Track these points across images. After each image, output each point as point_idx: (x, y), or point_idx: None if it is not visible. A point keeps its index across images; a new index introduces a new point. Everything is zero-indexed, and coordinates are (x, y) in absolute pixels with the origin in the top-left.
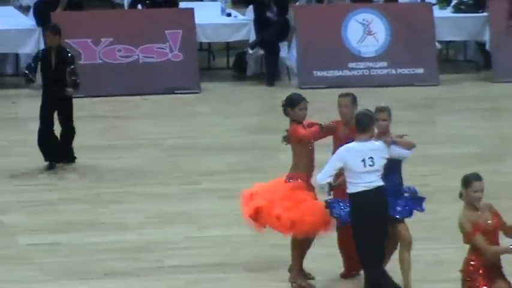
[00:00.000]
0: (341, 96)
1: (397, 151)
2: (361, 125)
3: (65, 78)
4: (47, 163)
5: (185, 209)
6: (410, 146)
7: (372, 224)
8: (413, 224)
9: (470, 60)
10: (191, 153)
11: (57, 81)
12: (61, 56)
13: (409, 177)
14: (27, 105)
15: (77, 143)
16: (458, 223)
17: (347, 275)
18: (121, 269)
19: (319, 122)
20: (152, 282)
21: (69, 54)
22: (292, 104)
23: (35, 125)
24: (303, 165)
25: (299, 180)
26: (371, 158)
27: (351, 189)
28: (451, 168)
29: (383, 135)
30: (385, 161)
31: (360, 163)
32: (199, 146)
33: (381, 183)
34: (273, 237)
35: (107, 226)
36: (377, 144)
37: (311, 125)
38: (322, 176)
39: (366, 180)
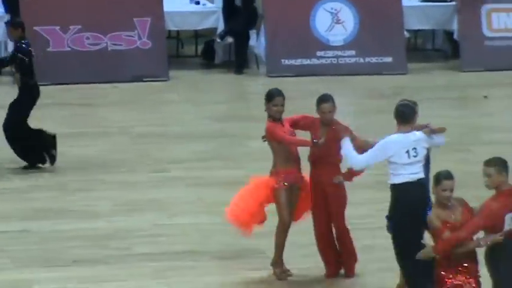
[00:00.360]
0: (323, 102)
1: (436, 140)
2: (404, 116)
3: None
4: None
5: (154, 197)
6: (443, 131)
7: (413, 215)
8: (382, 213)
9: (438, 49)
10: (160, 141)
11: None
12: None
13: (376, 166)
14: None
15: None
16: (427, 219)
17: (330, 275)
18: (89, 256)
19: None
20: (120, 269)
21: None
22: (268, 98)
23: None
24: (282, 161)
25: (277, 175)
26: (414, 149)
27: (394, 179)
28: None
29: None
30: (426, 151)
31: (405, 154)
32: (168, 133)
33: (422, 175)
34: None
35: (76, 214)
36: (418, 134)
37: (292, 122)
38: (359, 163)
39: (409, 171)
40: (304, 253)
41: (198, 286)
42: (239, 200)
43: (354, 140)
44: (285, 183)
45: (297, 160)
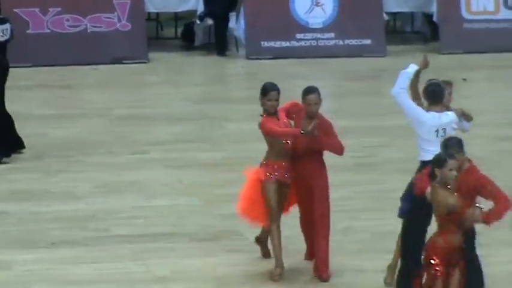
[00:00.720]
0: (309, 93)
1: (464, 123)
2: (436, 96)
3: None
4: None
5: (133, 179)
6: (471, 119)
7: None
8: (361, 195)
9: (417, 32)
10: (139, 123)
11: None
12: None
13: (356, 148)
14: None
15: (24, 112)
16: (442, 203)
17: (310, 257)
18: (68, 238)
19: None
20: (100, 251)
21: None
22: (263, 93)
23: None
24: (274, 154)
25: (267, 167)
26: (444, 129)
27: (425, 156)
28: (398, 139)
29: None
30: (454, 132)
31: (434, 133)
32: (147, 115)
33: None
34: (220, 207)
35: (55, 195)
36: (451, 115)
37: (286, 111)
38: (396, 88)
39: (436, 148)
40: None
41: (177, 267)
42: (247, 201)
43: None
44: (273, 175)
45: (289, 155)
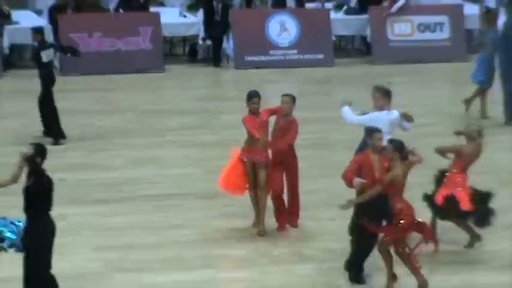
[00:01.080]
0: (284, 95)
1: (405, 123)
2: (391, 95)
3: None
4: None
5: (154, 155)
6: (411, 120)
7: None
8: (318, 166)
9: (356, 49)
10: (158, 115)
11: None
12: None
13: (313, 132)
14: None
15: (76, 108)
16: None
17: (281, 227)
18: (107, 197)
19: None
20: (131, 207)
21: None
22: (248, 98)
23: None
24: (249, 141)
25: (243, 152)
26: (393, 123)
27: None
28: (344, 126)
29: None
30: (391, 129)
31: (388, 126)
32: (163, 110)
33: None
34: (216, 175)
35: (98, 167)
36: (396, 113)
37: (270, 111)
38: (353, 120)
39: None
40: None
41: (187, 218)
42: (227, 174)
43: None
44: (245, 159)
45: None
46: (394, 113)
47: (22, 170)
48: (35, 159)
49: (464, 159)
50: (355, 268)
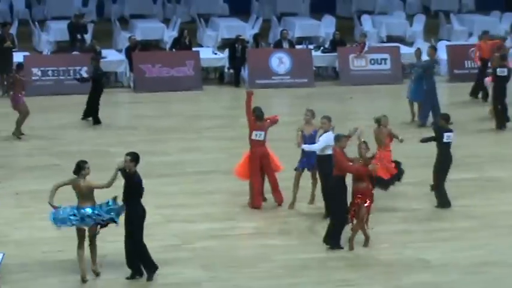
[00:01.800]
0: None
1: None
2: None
3: None
4: None
5: (196, 145)
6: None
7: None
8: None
9: (329, 75)
10: (198, 118)
11: None
12: None
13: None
14: None
15: (139, 114)
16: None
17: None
18: (165, 173)
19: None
20: (180, 179)
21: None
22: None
23: None
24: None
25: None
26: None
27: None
28: None
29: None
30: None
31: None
32: (202, 115)
33: None
34: (237, 159)
35: (160, 153)
36: (331, 134)
37: (272, 119)
38: (312, 148)
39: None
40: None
41: (217, 187)
42: (240, 168)
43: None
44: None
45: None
46: (331, 134)
47: (117, 176)
48: (133, 165)
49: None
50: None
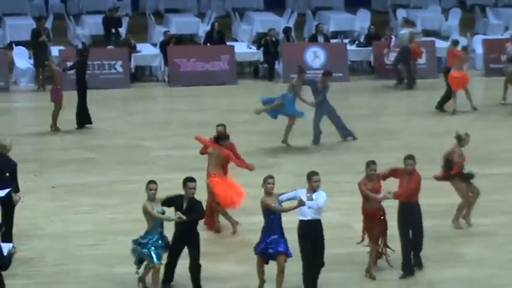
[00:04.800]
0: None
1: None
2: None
3: None
4: None
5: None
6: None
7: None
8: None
9: (364, 69)
10: (232, 112)
11: None
12: None
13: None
14: None
15: (174, 108)
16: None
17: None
18: (198, 166)
19: None
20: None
21: None
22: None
23: None
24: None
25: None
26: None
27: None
28: (350, 119)
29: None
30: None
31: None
32: (235, 109)
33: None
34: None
35: (193, 147)
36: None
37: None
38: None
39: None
40: None
41: (250, 179)
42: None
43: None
44: None
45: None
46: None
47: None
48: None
49: None
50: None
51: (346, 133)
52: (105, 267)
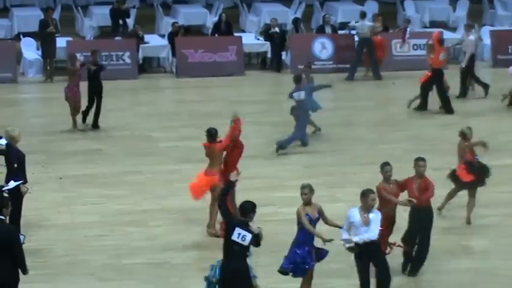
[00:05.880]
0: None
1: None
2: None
3: None
4: None
5: None
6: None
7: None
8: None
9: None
10: (240, 103)
11: None
12: None
13: (341, 110)
14: None
15: (187, 99)
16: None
17: None
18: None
19: None
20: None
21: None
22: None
23: None
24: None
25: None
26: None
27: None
28: (357, 111)
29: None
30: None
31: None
32: (242, 100)
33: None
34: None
35: (202, 138)
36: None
37: None
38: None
39: None
40: None
41: (259, 171)
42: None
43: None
44: None
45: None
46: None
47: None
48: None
49: None
50: None
51: (302, 137)
52: (113, 257)
